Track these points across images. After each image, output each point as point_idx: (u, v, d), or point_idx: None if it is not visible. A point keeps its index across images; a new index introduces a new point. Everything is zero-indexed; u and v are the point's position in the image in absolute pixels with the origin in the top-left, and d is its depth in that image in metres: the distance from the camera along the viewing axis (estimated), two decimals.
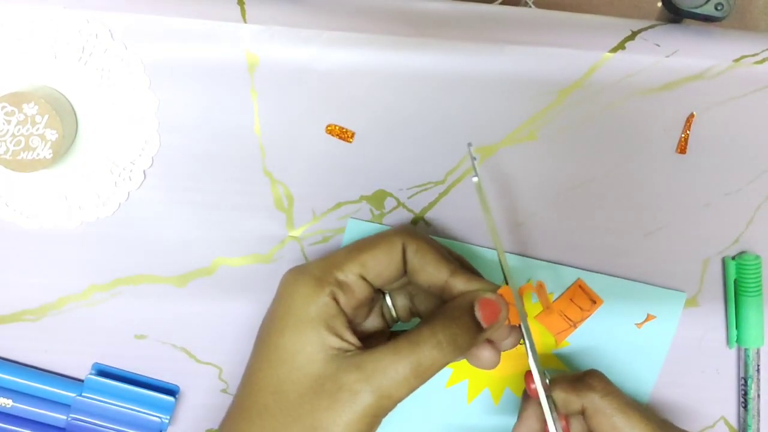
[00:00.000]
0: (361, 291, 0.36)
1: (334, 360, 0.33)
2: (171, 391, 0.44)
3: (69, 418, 0.43)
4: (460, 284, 0.36)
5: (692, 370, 0.47)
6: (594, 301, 0.45)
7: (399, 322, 0.41)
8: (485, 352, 0.37)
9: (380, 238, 0.37)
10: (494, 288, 0.36)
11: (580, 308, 0.45)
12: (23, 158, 0.38)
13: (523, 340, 0.37)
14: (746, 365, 0.46)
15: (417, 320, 0.41)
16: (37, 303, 0.43)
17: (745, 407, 0.46)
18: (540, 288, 0.39)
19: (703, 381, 0.47)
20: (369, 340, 0.36)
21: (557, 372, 0.46)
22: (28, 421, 0.43)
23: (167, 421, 0.43)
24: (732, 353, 0.47)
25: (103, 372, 0.44)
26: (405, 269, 0.38)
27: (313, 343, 0.34)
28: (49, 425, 0.43)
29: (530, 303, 0.45)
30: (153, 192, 0.42)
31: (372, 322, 0.40)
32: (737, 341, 0.46)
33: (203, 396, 0.45)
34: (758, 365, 0.46)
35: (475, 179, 0.35)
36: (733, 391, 0.47)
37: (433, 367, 0.34)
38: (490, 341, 0.37)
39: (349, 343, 0.35)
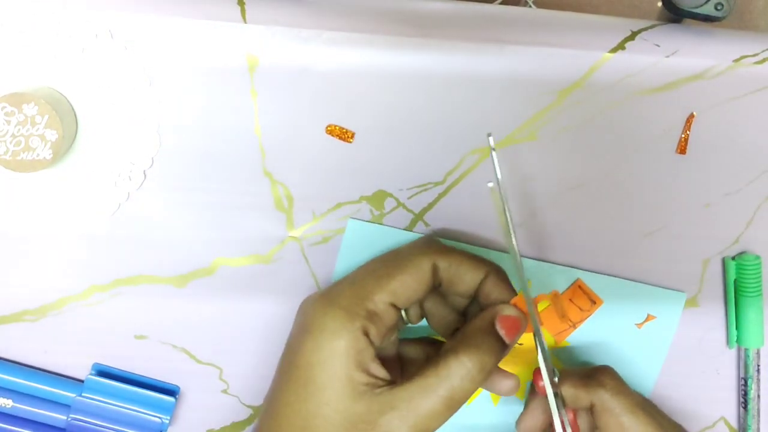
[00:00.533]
0: (390, 318, 0.36)
1: (363, 397, 0.33)
2: (171, 392, 0.44)
3: (69, 419, 0.43)
4: (493, 290, 0.37)
5: (692, 370, 0.47)
6: (594, 301, 0.45)
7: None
8: (506, 382, 0.37)
9: (408, 261, 0.37)
10: (513, 296, 0.37)
11: (580, 308, 0.45)
12: (23, 159, 0.38)
13: (535, 340, 0.37)
14: (746, 365, 0.46)
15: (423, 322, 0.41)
16: (37, 303, 0.43)
17: (745, 407, 0.46)
18: (555, 297, 0.39)
19: (703, 381, 0.47)
20: (387, 366, 0.36)
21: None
22: (28, 421, 0.43)
23: (167, 421, 0.43)
24: (732, 353, 0.47)
25: (103, 372, 0.44)
26: (432, 286, 0.37)
27: (342, 379, 0.33)
28: (49, 425, 0.43)
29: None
30: (153, 192, 0.42)
31: (389, 349, 0.40)
32: (737, 341, 0.46)
33: (203, 396, 0.45)
34: (758, 365, 0.46)
35: (490, 185, 0.34)
36: (733, 392, 0.47)
37: (465, 396, 0.34)
38: (506, 374, 0.37)
39: (378, 378, 0.34)
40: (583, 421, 0.39)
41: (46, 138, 0.38)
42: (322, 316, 0.35)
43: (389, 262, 0.37)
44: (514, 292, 0.38)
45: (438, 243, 0.39)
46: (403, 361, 0.40)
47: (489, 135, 0.37)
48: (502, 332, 0.35)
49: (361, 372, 0.34)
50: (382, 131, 0.42)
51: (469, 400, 0.46)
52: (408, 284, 0.36)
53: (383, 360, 0.36)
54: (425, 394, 0.33)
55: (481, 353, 0.34)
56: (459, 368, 0.34)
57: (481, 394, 0.46)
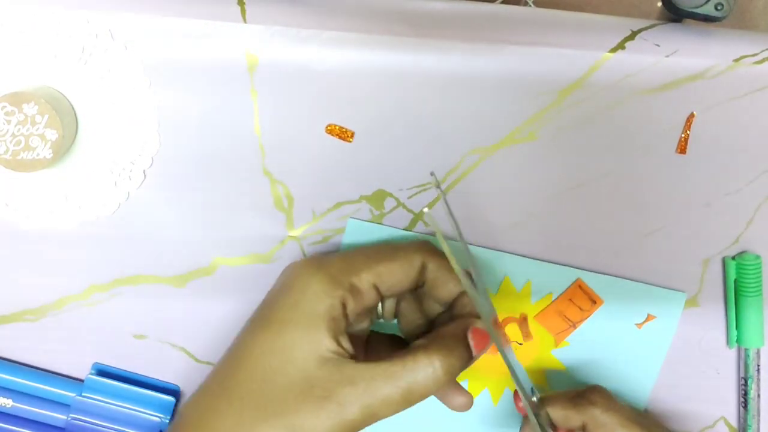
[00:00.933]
0: (369, 299, 0.36)
1: (327, 364, 0.33)
2: (171, 391, 0.44)
3: (69, 418, 0.43)
4: (469, 304, 0.37)
5: (692, 370, 0.47)
6: (594, 301, 0.45)
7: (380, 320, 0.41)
8: (460, 398, 0.38)
9: (400, 251, 0.37)
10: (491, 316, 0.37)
11: (580, 308, 0.45)
12: (23, 158, 0.38)
13: (506, 364, 0.36)
14: (746, 365, 0.46)
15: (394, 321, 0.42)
16: (37, 303, 0.43)
17: (746, 407, 0.46)
18: (522, 321, 0.40)
19: (703, 381, 0.47)
20: (352, 340, 0.36)
21: (557, 370, 0.46)
22: (28, 421, 0.43)
23: (167, 420, 0.43)
24: (732, 353, 0.47)
25: (103, 372, 0.44)
26: (417, 283, 0.38)
27: (312, 342, 0.34)
28: (49, 425, 0.43)
29: (529, 304, 0.45)
30: (153, 192, 0.42)
31: (358, 321, 0.40)
32: (737, 341, 0.46)
33: None
34: (758, 365, 0.46)
35: (426, 209, 0.35)
36: (733, 392, 0.47)
37: (424, 394, 0.34)
38: (463, 390, 0.38)
39: (344, 349, 0.35)
40: None
41: (46, 137, 0.38)
42: (308, 277, 0.35)
43: (383, 246, 0.38)
44: (492, 310, 0.38)
45: (433, 245, 0.39)
46: (369, 348, 0.40)
47: (432, 173, 0.40)
48: (471, 343, 0.36)
49: (332, 339, 0.34)
50: (381, 131, 0.42)
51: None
52: (395, 272, 0.36)
53: (351, 340, 0.36)
54: (387, 379, 0.33)
55: (451, 357, 0.35)
56: (426, 365, 0.34)
57: (481, 394, 0.46)
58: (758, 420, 0.46)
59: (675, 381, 0.46)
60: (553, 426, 0.39)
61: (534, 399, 0.39)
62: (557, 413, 0.39)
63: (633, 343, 0.46)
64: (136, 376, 0.44)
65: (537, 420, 0.37)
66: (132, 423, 0.43)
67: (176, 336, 0.44)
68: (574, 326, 0.45)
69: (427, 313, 0.40)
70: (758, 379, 0.46)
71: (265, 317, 0.36)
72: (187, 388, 0.45)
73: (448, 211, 0.39)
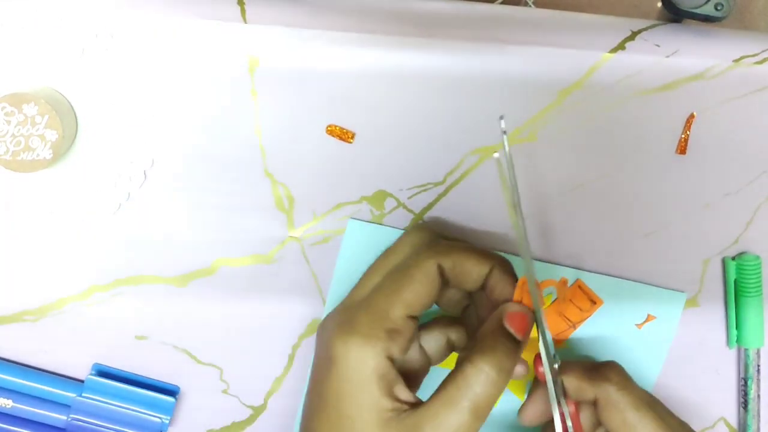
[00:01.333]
0: (409, 330, 0.36)
1: (391, 423, 0.33)
2: (171, 392, 0.44)
3: (69, 419, 0.43)
4: (497, 285, 0.37)
5: (692, 370, 0.47)
6: (594, 301, 0.45)
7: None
8: (518, 368, 0.37)
9: (415, 269, 0.36)
10: (515, 284, 0.36)
11: (580, 309, 0.45)
12: (23, 159, 0.38)
13: (536, 324, 0.37)
14: (746, 365, 0.46)
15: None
16: (37, 303, 0.43)
17: (745, 408, 0.46)
18: (563, 285, 0.39)
19: (703, 381, 0.47)
20: (414, 370, 0.37)
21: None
22: (28, 421, 0.43)
23: (167, 421, 0.43)
24: (732, 353, 0.47)
25: (104, 372, 0.44)
26: (442, 285, 0.37)
27: (370, 409, 0.33)
28: (49, 426, 0.43)
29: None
30: (153, 192, 0.42)
31: (415, 355, 0.39)
32: (737, 341, 0.46)
33: (204, 397, 0.45)
34: (758, 365, 0.46)
35: (496, 155, 0.33)
36: (733, 392, 0.47)
37: (491, 402, 0.34)
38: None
39: (403, 401, 0.34)
40: (585, 417, 0.39)
41: (46, 138, 0.38)
42: (344, 346, 0.34)
43: (396, 273, 0.37)
44: (513, 285, 0.37)
45: (439, 243, 0.39)
46: (427, 353, 0.40)
47: (501, 117, 0.37)
48: (512, 330, 0.35)
49: (388, 398, 0.34)
50: (382, 131, 0.42)
51: None
52: (419, 293, 0.36)
53: (410, 363, 0.37)
54: (449, 408, 0.33)
55: (497, 356, 0.34)
56: (478, 376, 0.33)
57: None
58: (758, 420, 0.46)
59: (675, 381, 0.46)
60: (565, 395, 0.38)
61: (555, 366, 0.38)
62: (571, 383, 0.38)
63: (633, 343, 0.46)
64: (136, 376, 0.44)
65: (554, 388, 0.36)
66: (132, 424, 0.43)
67: (177, 336, 0.44)
68: (574, 327, 0.45)
69: (463, 290, 0.39)
70: (758, 380, 0.46)
71: (318, 397, 0.35)
72: (188, 388, 0.45)
73: (509, 164, 0.36)
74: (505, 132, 0.36)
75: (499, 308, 0.36)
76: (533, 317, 0.36)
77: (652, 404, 0.37)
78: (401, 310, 0.35)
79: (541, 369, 0.38)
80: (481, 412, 0.33)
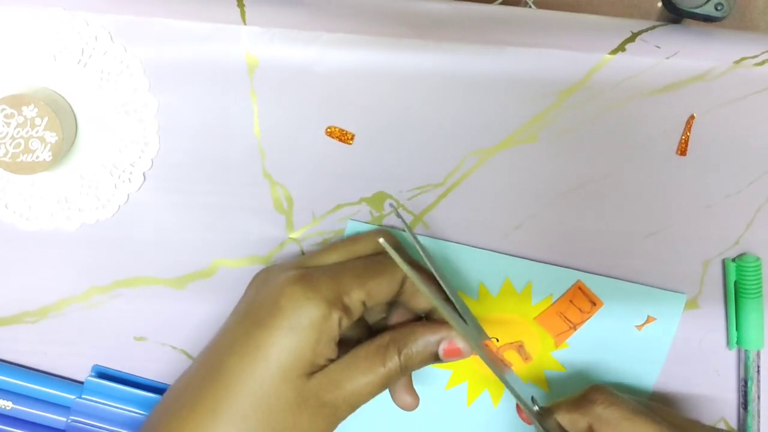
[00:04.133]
0: (357, 314, 0.37)
1: (317, 375, 0.35)
2: None
3: (69, 420, 0.43)
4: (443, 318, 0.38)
5: (692, 371, 0.47)
6: (594, 303, 0.45)
7: None
8: (407, 398, 0.40)
9: (384, 267, 0.38)
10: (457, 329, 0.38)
11: (580, 310, 0.45)
12: (23, 161, 0.38)
13: (505, 384, 0.38)
14: (746, 367, 0.46)
15: None
16: (36, 305, 0.43)
17: (745, 409, 0.46)
18: (520, 347, 0.43)
19: (703, 382, 0.47)
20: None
21: (557, 372, 0.46)
22: (28, 423, 0.43)
23: None
24: (732, 355, 0.47)
25: (103, 374, 0.44)
26: (397, 294, 0.38)
27: (305, 363, 0.35)
28: (49, 427, 0.43)
29: (530, 306, 0.45)
30: (152, 194, 0.42)
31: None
32: (737, 343, 0.46)
33: None
34: (758, 367, 0.46)
35: (381, 240, 0.35)
36: (733, 393, 0.47)
37: (393, 380, 0.37)
38: (411, 391, 0.40)
39: (331, 359, 0.36)
40: None
41: (45, 140, 0.38)
42: (304, 301, 0.35)
43: (369, 262, 0.38)
44: (478, 335, 0.39)
45: (410, 258, 0.40)
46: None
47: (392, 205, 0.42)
48: (441, 352, 0.37)
49: (324, 356, 0.35)
50: (381, 133, 0.42)
51: (468, 402, 0.46)
52: (381, 288, 0.37)
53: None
54: (366, 375, 0.36)
55: (417, 359, 0.37)
56: (395, 355, 0.36)
57: (481, 396, 0.46)
58: (758, 421, 0.46)
59: (675, 382, 0.46)
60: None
61: (535, 408, 0.39)
62: (564, 419, 0.39)
63: (633, 344, 0.46)
64: (135, 378, 0.44)
65: (543, 426, 0.38)
66: (132, 425, 0.43)
67: (176, 338, 0.44)
68: (575, 328, 0.45)
69: (394, 320, 0.41)
70: (758, 381, 0.46)
71: (254, 337, 0.35)
72: None
73: (414, 240, 0.40)
74: (403, 220, 0.40)
75: (449, 331, 0.38)
76: (466, 357, 0.38)
77: (642, 411, 0.38)
78: (362, 295, 0.36)
79: (524, 414, 0.39)
80: (385, 386, 0.36)
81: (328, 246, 0.40)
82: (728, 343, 0.46)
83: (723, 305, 0.46)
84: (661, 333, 0.46)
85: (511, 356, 0.46)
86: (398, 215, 0.41)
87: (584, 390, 0.40)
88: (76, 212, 0.42)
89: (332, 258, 0.39)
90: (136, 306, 0.43)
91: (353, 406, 0.36)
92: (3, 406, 0.43)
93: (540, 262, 0.45)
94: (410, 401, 0.40)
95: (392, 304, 0.41)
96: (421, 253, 0.39)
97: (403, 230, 0.43)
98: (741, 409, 0.47)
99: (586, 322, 0.45)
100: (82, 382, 0.44)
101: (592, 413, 0.38)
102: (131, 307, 0.43)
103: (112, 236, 0.42)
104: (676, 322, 0.45)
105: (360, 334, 0.41)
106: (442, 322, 0.38)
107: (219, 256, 0.43)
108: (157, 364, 0.44)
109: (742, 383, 0.46)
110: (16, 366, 0.44)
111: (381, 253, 0.39)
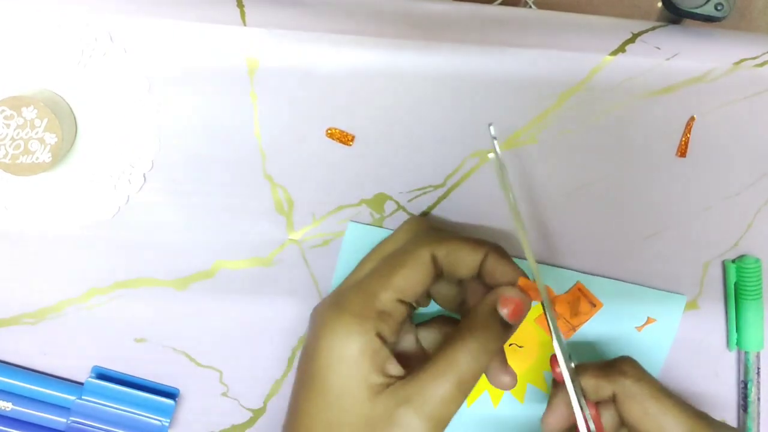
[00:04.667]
0: (400, 313, 0.36)
1: (380, 397, 0.34)
2: (171, 395, 0.44)
3: (69, 421, 0.43)
4: (495, 269, 0.37)
5: (692, 373, 0.47)
6: (594, 304, 0.45)
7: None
8: (504, 377, 0.38)
9: (408, 255, 0.37)
10: (518, 275, 0.37)
11: (580, 311, 0.45)
12: (22, 162, 0.38)
13: (548, 323, 0.37)
14: (746, 368, 0.46)
15: None
16: (36, 306, 0.43)
17: (745, 410, 0.46)
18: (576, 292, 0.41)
19: (703, 384, 0.47)
20: (408, 359, 0.37)
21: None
22: (28, 424, 0.43)
23: (167, 424, 0.43)
24: (732, 356, 0.47)
25: (103, 375, 0.44)
26: (435, 275, 0.38)
27: (359, 384, 0.34)
28: (49, 428, 0.43)
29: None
30: (153, 195, 0.42)
31: (411, 345, 0.40)
32: (737, 344, 0.46)
33: (203, 399, 0.45)
34: (758, 368, 0.46)
35: (491, 156, 0.34)
36: (733, 394, 0.47)
37: (474, 378, 0.35)
38: (508, 369, 0.38)
39: (393, 376, 0.35)
40: (607, 419, 0.39)
41: (45, 141, 0.37)
42: (333, 323, 0.35)
43: (390, 258, 0.37)
44: (516, 268, 0.38)
45: (433, 232, 0.39)
46: (423, 345, 0.40)
47: (490, 125, 0.38)
48: (504, 313, 0.36)
49: (378, 374, 0.34)
50: (382, 134, 0.42)
51: (468, 404, 0.46)
52: (411, 278, 0.36)
53: (406, 353, 0.37)
54: (436, 382, 0.34)
55: (485, 336, 0.35)
56: (464, 350, 0.35)
57: (481, 397, 0.46)
58: (758, 423, 0.46)
59: (675, 383, 0.46)
60: (585, 397, 0.39)
61: (572, 365, 0.38)
62: (588, 382, 0.38)
63: (633, 346, 0.46)
64: (136, 379, 0.44)
65: (573, 386, 0.37)
66: (132, 426, 0.43)
67: (177, 339, 0.44)
68: (574, 329, 0.45)
69: (460, 283, 0.40)
70: (758, 383, 0.46)
71: (306, 373, 0.36)
72: (188, 391, 0.45)
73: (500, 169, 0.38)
74: (495, 138, 0.38)
75: (495, 291, 0.37)
76: (529, 304, 0.37)
77: (670, 393, 0.38)
78: (391, 293, 0.36)
79: (558, 370, 0.38)
80: (465, 386, 0.34)
81: (362, 259, 0.40)
82: (728, 344, 0.46)
83: (723, 307, 0.46)
84: (661, 334, 0.46)
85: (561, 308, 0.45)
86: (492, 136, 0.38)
87: (614, 359, 0.39)
88: (77, 213, 0.42)
89: (366, 268, 0.38)
90: (136, 307, 0.43)
91: (430, 419, 0.34)
92: (3, 408, 0.43)
93: (539, 263, 0.45)
94: (508, 380, 0.38)
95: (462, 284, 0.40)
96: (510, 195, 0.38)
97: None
98: (741, 411, 0.47)
99: (586, 324, 0.45)
100: (82, 384, 0.44)
101: (620, 384, 0.37)
102: (131, 308, 0.43)
103: (112, 237, 0.42)
104: (677, 324, 0.46)
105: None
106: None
107: (220, 257, 0.43)
108: (157, 366, 0.44)
109: (742, 385, 0.46)
110: (16, 367, 0.44)
111: (403, 246, 0.39)
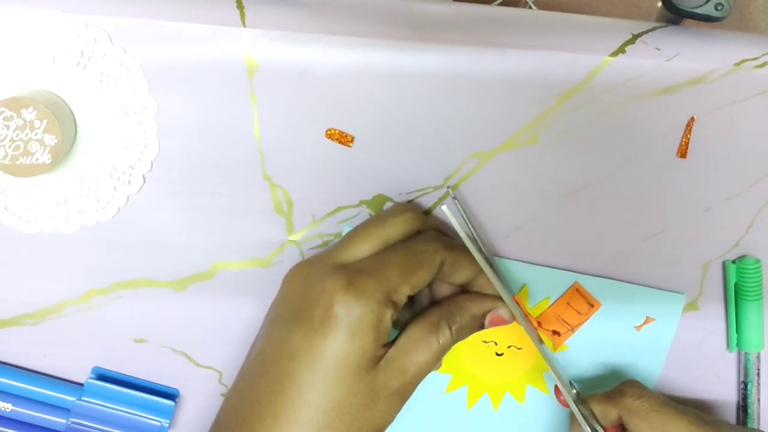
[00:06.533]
0: (403, 304, 0.38)
1: (381, 367, 0.37)
2: (171, 395, 0.44)
3: (69, 422, 0.43)
4: (487, 286, 0.41)
5: (692, 374, 0.47)
6: (592, 304, 0.45)
7: None
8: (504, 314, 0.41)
9: (424, 256, 0.38)
10: (505, 298, 0.40)
11: (578, 312, 0.45)
12: (22, 163, 0.38)
13: (546, 361, 0.41)
14: (746, 369, 0.46)
15: None
16: (36, 307, 0.43)
17: (745, 411, 0.46)
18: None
19: (704, 385, 0.47)
20: None
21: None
22: (27, 425, 0.43)
23: (167, 425, 0.43)
24: (732, 357, 0.47)
25: (103, 376, 0.44)
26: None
27: (370, 358, 0.36)
28: (49, 429, 0.43)
29: (527, 307, 0.45)
30: (152, 196, 0.42)
31: None
32: (737, 345, 0.46)
33: (203, 400, 0.45)
34: (758, 369, 0.46)
35: (444, 207, 0.38)
36: (733, 395, 0.47)
37: (446, 352, 0.39)
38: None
39: (387, 345, 0.38)
40: None
41: (45, 142, 0.37)
42: (359, 308, 0.36)
43: (407, 255, 0.39)
44: (504, 295, 0.41)
45: (444, 238, 0.40)
46: None
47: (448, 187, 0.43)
48: (487, 322, 0.40)
49: (382, 348, 0.37)
50: (381, 135, 0.42)
51: (468, 406, 0.46)
52: (423, 279, 0.38)
53: None
54: (422, 352, 0.38)
55: (464, 330, 0.39)
56: (445, 328, 0.39)
57: (481, 400, 0.46)
58: (758, 424, 0.46)
59: (675, 384, 0.46)
60: (599, 424, 0.41)
61: (574, 391, 0.41)
62: (595, 409, 0.41)
63: (632, 346, 0.46)
64: (135, 380, 0.44)
65: (580, 412, 0.40)
66: (132, 427, 0.43)
67: (176, 340, 0.44)
68: (573, 330, 0.45)
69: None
70: (758, 383, 0.46)
71: (313, 345, 0.36)
72: (187, 392, 0.45)
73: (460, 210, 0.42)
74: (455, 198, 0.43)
75: (493, 302, 0.40)
76: (508, 323, 0.41)
77: (673, 405, 0.40)
78: (408, 290, 0.38)
79: (561, 396, 0.41)
80: (440, 356, 0.39)
81: (357, 233, 0.40)
82: (728, 345, 0.46)
83: (723, 307, 0.46)
84: (660, 333, 0.46)
85: (526, 305, 0.46)
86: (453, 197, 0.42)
87: (617, 384, 0.42)
88: (76, 214, 0.42)
89: (366, 248, 0.39)
90: (136, 308, 0.43)
91: (417, 384, 0.38)
92: (3, 408, 0.43)
93: (537, 264, 0.45)
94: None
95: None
96: (469, 227, 0.41)
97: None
98: (741, 412, 0.47)
99: (585, 324, 0.45)
100: (81, 384, 0.44)
101: (623, 404, 0.40)
102: (131, 309, 0.43)
103: (111, 238, 0.42)
104: (676, 322, 0.45)
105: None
106: (484, 295, 0.41)
107: (219, 258, 0.43)
108: (157, 366, 0.44)
109: (742, 386, 0.46)
110: (15, 368, 0.44)
111: (411, 238, 0.40)
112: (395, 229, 0.40)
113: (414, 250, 0.39)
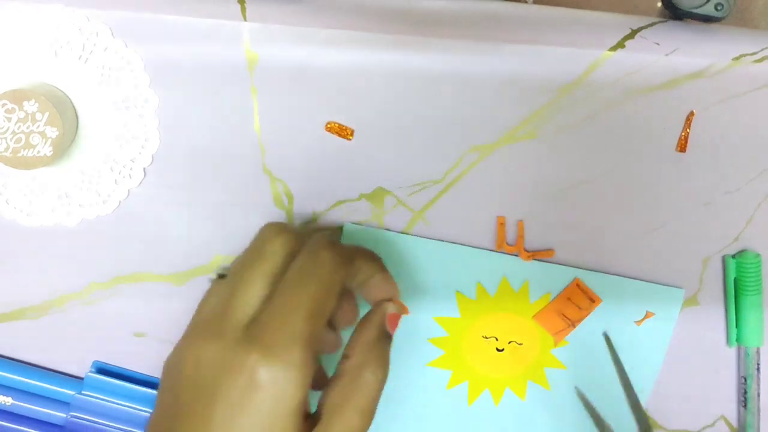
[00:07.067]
0: (325, 332, 0.37)
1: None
2: None
3: (69, 416, 0.43)
4: (378, 288, 0.38)
5: (692, 369, 0.46)
6: (592, 300, 0.45)
7: None
8: (330, 336, 0.38)
9: (324, 282, 0.34)
10: (397, 291, 0.38)
11: (578, 307, 0.45)
12: (23, 156, 0.38)
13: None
14: (746, 364, 0.46)
15: None
16: (36, 301, 0.43)
17: (745, 406, 0.46)
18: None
19: (703, 380, 0.47)
20: None
21: (557, 370, 0.46)
22: (27, 419, 0.43)
23: None
24: (732, 352, 0.47)
25: (103, 370, 0.44)
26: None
27: (303, 408, 0.32)
28: (48, 423, 0.43)
29: (528, 304, 0.45)
30: (153, 190, 0.42)
31: None
32: (737, 340, 0.46)
33: None
34: (758, 364, 0.46)
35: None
36: (733, 390, 0.47)
37: (378, 401, 0.35)
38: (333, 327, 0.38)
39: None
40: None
41: (46, 135, 0.38)
42: (276, 372, 0.31)
43: (310, 292, 0.34)
44: (395, 287, 0.38)
45: (329, 248, 0.36)
46: None
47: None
48: (389, 329, 0.37)
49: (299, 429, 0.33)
50: (381, 129, 0.42)
51: (469, 402, 0.46)
52: (333, 305, 0.35)
53: None
54: (343, 418, 0.33)
55: (384, 360, 0.36)
56: (374, 382, 0.35)
57: (482, 395, 0.46)
58: (758, 419, 0.46)
59: (675, 380, 0.46)
60: None
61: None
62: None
63: (632, 340, 0.46)
64: (136, 374, 0.44)
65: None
66: (132, 421, 0.43)
67: (176, 334, 0.43)
68: (573, 325, 0.45)
69: None
70: (758, 378, 0.46)
71: (233, 401, 0.32)
72: None
73: None
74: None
75: (379, 312, 0.37)
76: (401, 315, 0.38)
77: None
78: (323, 330, 0.35)
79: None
80: (372, 410, 0.34)
81: (241, 277, 0.34)
82: (728, 340, 0.46)
83: (723, 302, 0.46)
84: (660, 328, 0.46)
85: (526, 302, 0.45)
86: None
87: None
88: (77, 208, 0.42)
89: (257, 291, 0.34)
90: (136, 302, 0.43)
91: None
92: (3, 402, 0.43)
93: (538, 259, 0.45)
94: (333, 339, 0.39)
95: None
96: None
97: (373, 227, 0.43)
98: (741, 407, 0.47)
99: (585, 319, 0.45)
100: (82, 378, 0.44)
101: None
102: (131, 303, 0.43)
103: (112, 232, 0.42)
104: (675, 317, 0.45)
105: None
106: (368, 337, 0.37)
107: (219, 252, 0.43)
108: (157, 361, 0.44)
109: (742, 381, 0.46)
110: (16, 362, 0.44)
111: (298, 258, 0.36)
112: (276, 259, 0.35)
113: (314, 281, 0.34)
